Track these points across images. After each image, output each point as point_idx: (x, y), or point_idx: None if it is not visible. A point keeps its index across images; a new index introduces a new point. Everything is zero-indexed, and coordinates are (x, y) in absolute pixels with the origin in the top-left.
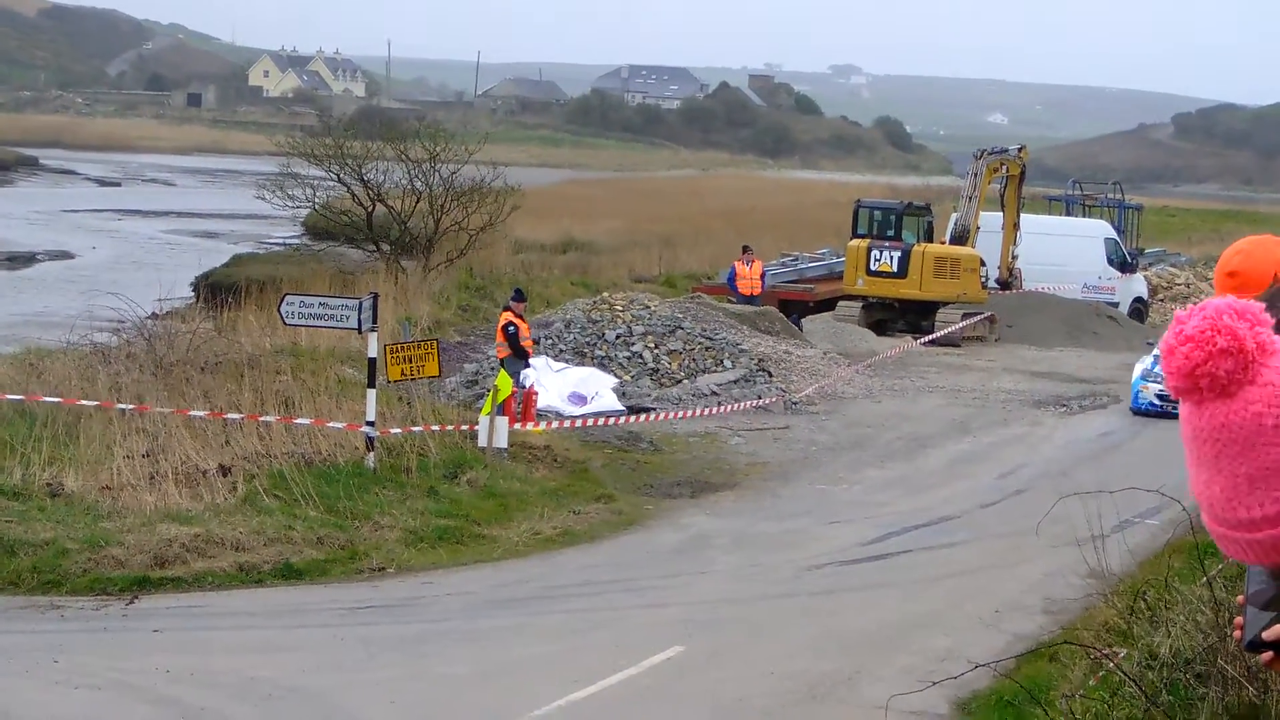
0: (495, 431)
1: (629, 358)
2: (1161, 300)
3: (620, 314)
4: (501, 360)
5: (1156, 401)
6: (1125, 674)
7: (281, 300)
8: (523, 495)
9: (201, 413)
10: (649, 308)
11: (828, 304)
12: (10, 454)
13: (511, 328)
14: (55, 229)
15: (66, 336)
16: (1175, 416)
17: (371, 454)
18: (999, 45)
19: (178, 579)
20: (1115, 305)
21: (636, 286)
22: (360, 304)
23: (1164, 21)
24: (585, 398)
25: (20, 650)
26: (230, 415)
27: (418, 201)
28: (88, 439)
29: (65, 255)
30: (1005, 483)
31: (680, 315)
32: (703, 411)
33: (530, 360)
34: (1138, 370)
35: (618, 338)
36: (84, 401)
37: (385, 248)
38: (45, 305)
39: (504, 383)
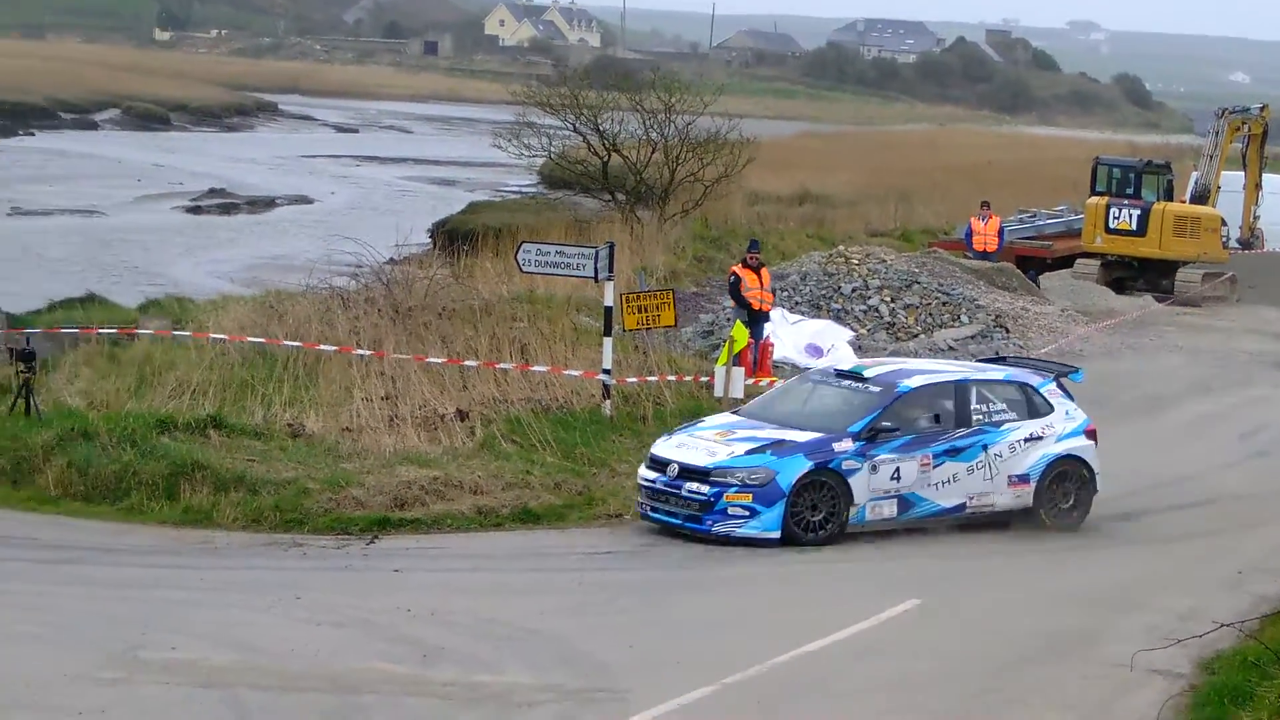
0: (731, 382)
1: (865, 311)
2: None
3: (856, 267)
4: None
5: None
6: None
7: (519, 248)
8: None
9: (439, 359)
10: (885, 261)
11: (1065, 261)
12: (252, 395)
13: (733, 278)
14: (294, 174)
15: (306, 280)
16: None
17: (608, 402)
18: (1240, 2)
19: (416, 520)
20: None
21: (872, 240)
22: (597, 253)
23: None
24: (821, 350)
25: (264, 587)
26: (467, 361)
27: (653, 152)
28: (327, 381)
29: (304, 200)
30: (1247, 444)
31: (916, 270)
32: None
33: (756, 312)
34: None
35: (853, 291)
36: (323, 346)
37: (620, 197)
38: (285, 249)
39: (740, 334)
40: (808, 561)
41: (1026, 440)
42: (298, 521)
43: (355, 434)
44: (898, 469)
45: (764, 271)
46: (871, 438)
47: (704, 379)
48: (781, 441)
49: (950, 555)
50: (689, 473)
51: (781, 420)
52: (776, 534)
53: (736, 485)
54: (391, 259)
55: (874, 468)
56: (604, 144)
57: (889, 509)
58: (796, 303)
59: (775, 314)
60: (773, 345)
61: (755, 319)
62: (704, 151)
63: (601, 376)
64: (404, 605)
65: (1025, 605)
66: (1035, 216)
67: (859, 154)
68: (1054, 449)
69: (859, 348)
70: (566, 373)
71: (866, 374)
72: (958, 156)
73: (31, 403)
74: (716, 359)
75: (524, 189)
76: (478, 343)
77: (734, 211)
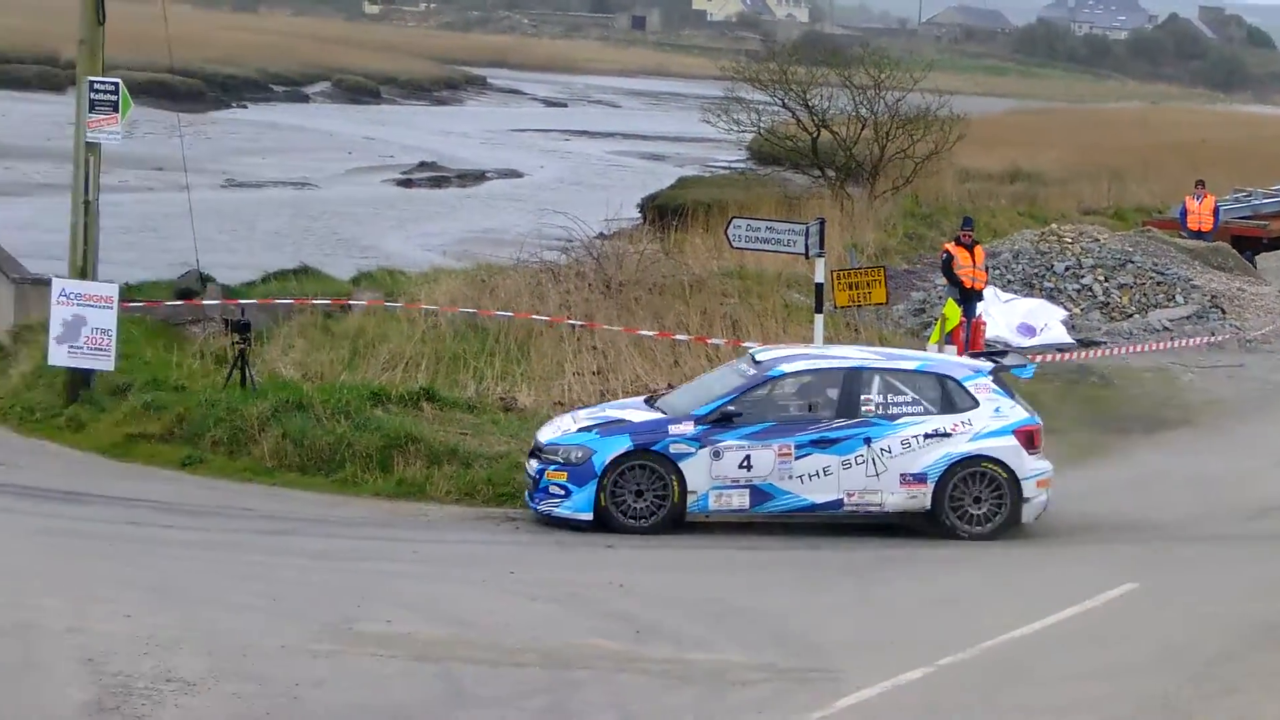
0: None
1: (1078, 290)
2: None
3: (1069, 246)
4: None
5: None
6: None
7: (729, 223)
8: None
9: (650, 332)
10: (1098, 240)
11: None
12: (464, 368)
13: (945, 255)
14: (504, 148)
15: (516, 254)
16: None
17: None
18: None
19: None
20: None
21: (1085, 219)
22: (807, 229)
23: None
24: (1034, 329)
25: (477, 560)
26: (678, 336)
27: (862, 128)
28: (539, 355)
29: (514, 174)
30: None
31: (1130, 249)
32: (1154, 346)
33: (969, 290)
34: None
35: (1066, 270)
36: (535, 316)
37: (830, 174)
38: (495, 223)
39: (951, 312)
40: (1022, 545)
41: (927, 436)
42: (510, 495)
43: (567, 408)
44: (748, 457)
45: (977, 249)
46: (718, 422)
47: None
48: (617, 421)
49: (1170, 539)
50: (532, 448)
51: (679, 403)
52: (588, 515)
53: (557, 463)
54: (601, 234)
55: (716, 454)
56: (813, 120)
57: (739, 499)
58: (1009, 281)
59: (988, 292)
60: (985, 324)
61: (967, 297)
62: (914, 128)
63: None
64: (617, 580)
65: (1247, 592)
66: (1251, 196)
67: (1070, 131)
68: (962, 448)
69: (1072, 326)
70: None
71: (759, 357)
72: (1171, 135)
73: (247, 374)
74: (928, 337)
75: (733, 164)
76: (688, 318)
77: (944, 188)
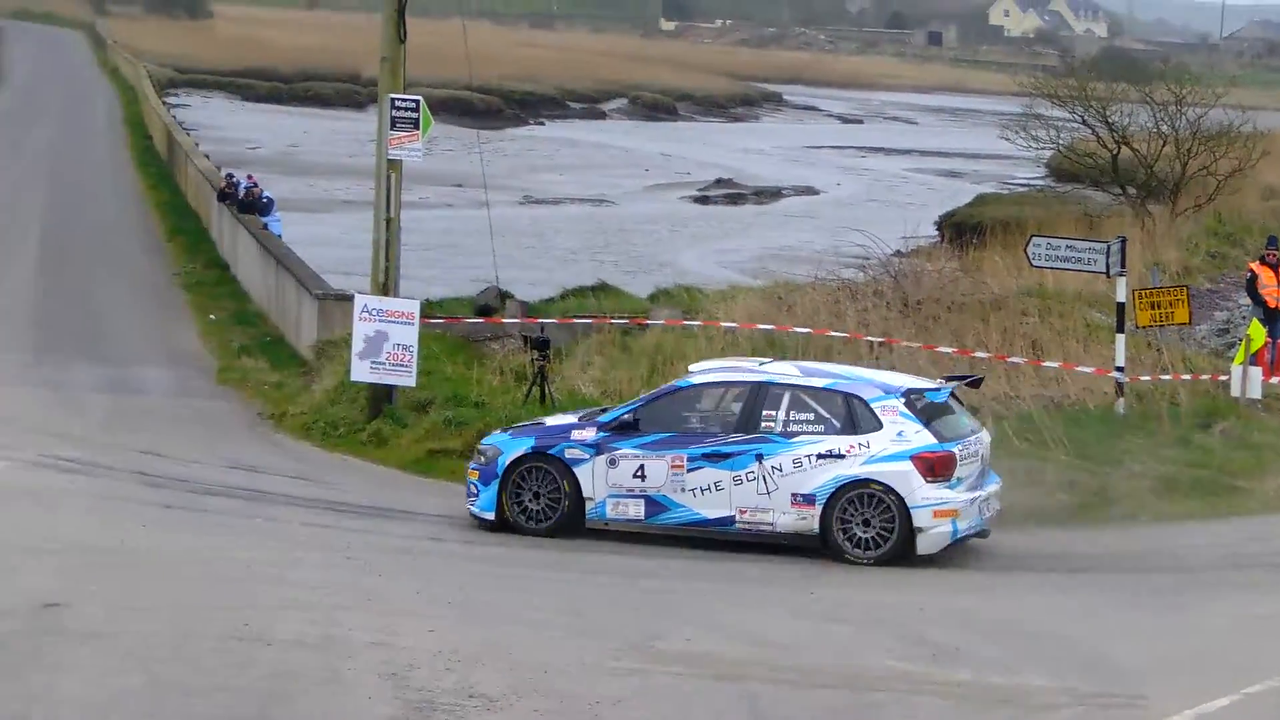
0: (1248, 382)
1: None
2: None
3: None
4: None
5: None
6: None
7: (1029, 241)
8: (1278, 449)
9: (948, 349)
10: None
11: None
12: None
13: (1249, 275)
14: (799, 165)
15: (813, 272)
16: None
17: (1121, 400)
18: None
19: None
20: None
21: None
22: (1108, 247)
23: None
24: None
25: (776, 580)
26: (977, 354)
27: (1163, 145)
28: None
29: (810, 191)
30: None
31: None
32: None
33: (1273, 310)
34: None
35: None
36: (832, 334)
37: (1131, 191)
38: (791, 240)
39: (1256, 332)
40: None
41: (820, 456)
42: None
43: None
44: (642, 467)
45: None
46: (618, 429)
47: (1221, 378)
48: (538, 423)
49: None
50: None
51: (617, 411)
52: (491, 515)
53: (478, 461)
54: (898, 251)
55: (612, 462)
56: (1113, 136)
57: (635, 509)
58: None
59: None
60: None
61: (1272, 317)
62: (1216, 144)
63: (1114, 374)
64: (917, 603)
65: None
66: None
67: None
68: (853, 470)
69: None
70: (1078, 369)
71: (692, 367)
72: None
73: (546, 390)
74: (1233, 358)
75: (1031, 181)
76: (987, 337)
77: (1248, 206)
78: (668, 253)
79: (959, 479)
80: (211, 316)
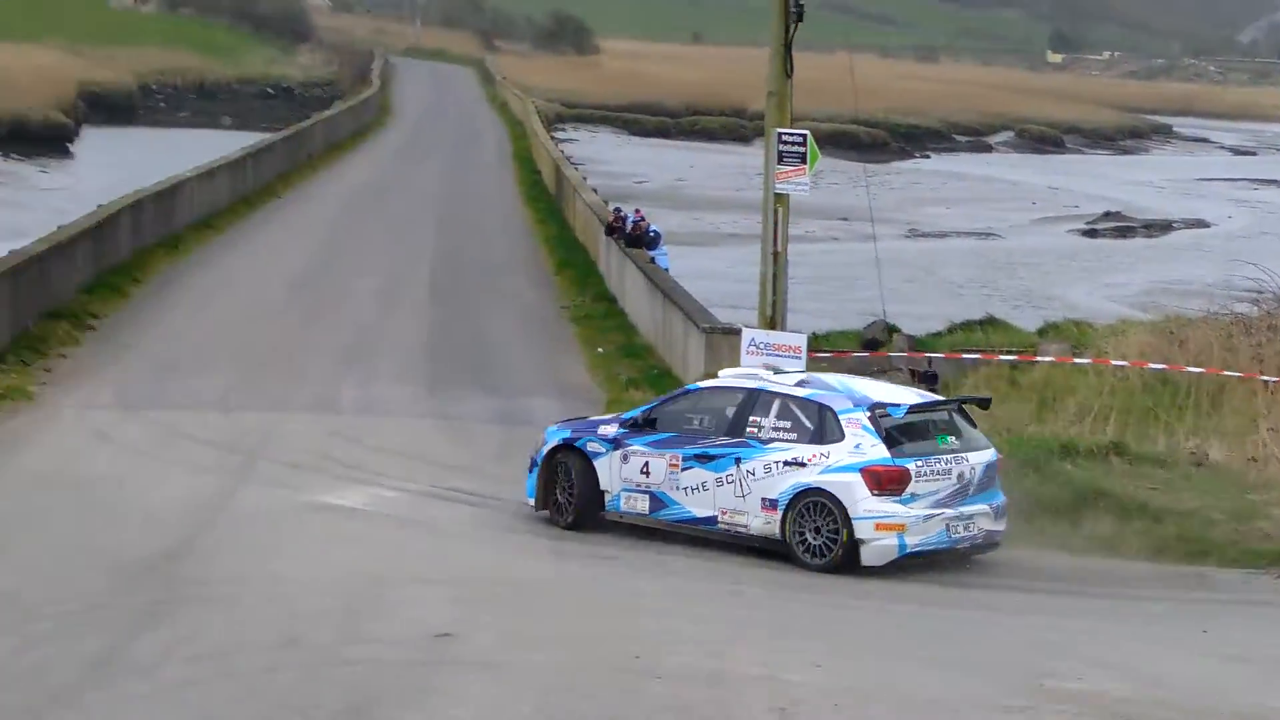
0: None
1: None
2: None
3: None
4: None
5: None
6: None
7: None
8: None
9: None
10: None
11: None
12: (1154, 421)
13: None
14: (1190, 197)
15: (1205, 306)
16: None
17: None
18: None
19: None
20: None
21: None
22: None
23: None
24: None
25: (1169, 619)
26: None
27: None
28: (1231, 410)
29: (1200, 224)
30: None
31: None
32: None
33: None
34: None
35: None
36: (1226, 372)
37: None
38: (1181, 274)
39: None
40: None
41: (785, 464)
42: (1201, 553)
43: (1261, 464)
44: (647, 463)
45: None
46: (637, 426)
47: None
48: (583, 418)
49: None
50: None
51: None
52: (531, 500)
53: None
54: None
55: (625, 457)
56: None
57: (642, 504)
58: None
59: None
60: None
61: None
62: None
63: None
64: None
65: None
66: None
67: None
68: (810, 478)
69: None
70: None
71: (720, 372)
72: None
73: None
74: None
75: None
76: None
77: None
78: (1055, 286)
79: (914, 495)
80: (599, 349)
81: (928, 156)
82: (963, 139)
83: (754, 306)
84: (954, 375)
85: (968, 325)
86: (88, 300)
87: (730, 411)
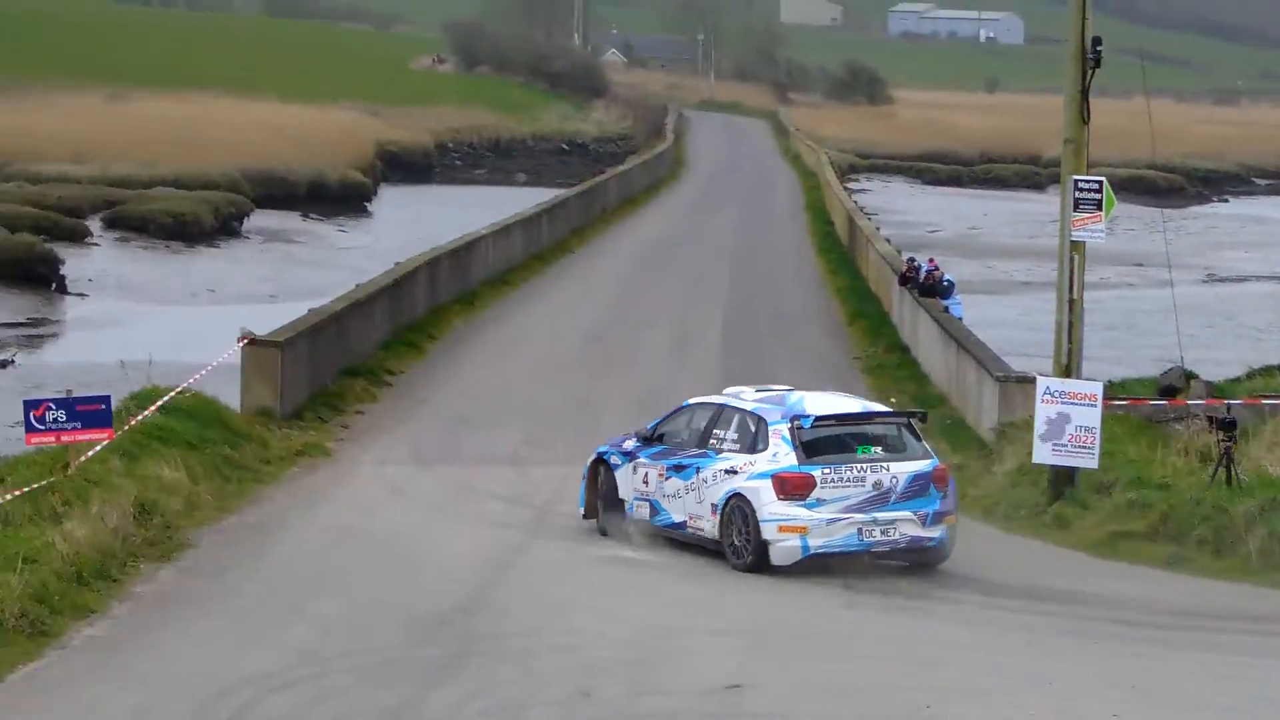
0: None
1: None
2: None
3: None
4: None
5: None
6: None
7: None
8: None
9: None
10: None
11: None
12: None
13: None
14: None
15: None
16: None
17: None
18: None
19: None
20: None
21: None
22: None
23: None
24: None
25: None
26: None
27: None
28: None
29: None
30: None
31: None
32: None
33: None
34: None
35: None
36: None
37: None
38: None
39: None
40: None
41: (725, 472)
42: None
43: None
44: (647, 474)
45: None
46: (647, 440)
47: None
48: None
49: None
50: None
51: None
52: (581, 510)
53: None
54: None
55: (634, 469)
56: None
57: (645, 511)
58: None
59: None
60: None
61: None
62: None
63: None
64: None
65: None
66: None
67: None
68: (737, 484)
69: None
70: None
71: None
72: None
73: (1232, 471)
74: None
75: None
76: None
77: None
78: None
79: (819, 500)
80: (892, 400)
81: (1225, 201)
82: (1263, 183)
83: (1048, 354)
84: (1254, 422)
85: (1268, 370)
86: (385, 357)
87: (703, 425)
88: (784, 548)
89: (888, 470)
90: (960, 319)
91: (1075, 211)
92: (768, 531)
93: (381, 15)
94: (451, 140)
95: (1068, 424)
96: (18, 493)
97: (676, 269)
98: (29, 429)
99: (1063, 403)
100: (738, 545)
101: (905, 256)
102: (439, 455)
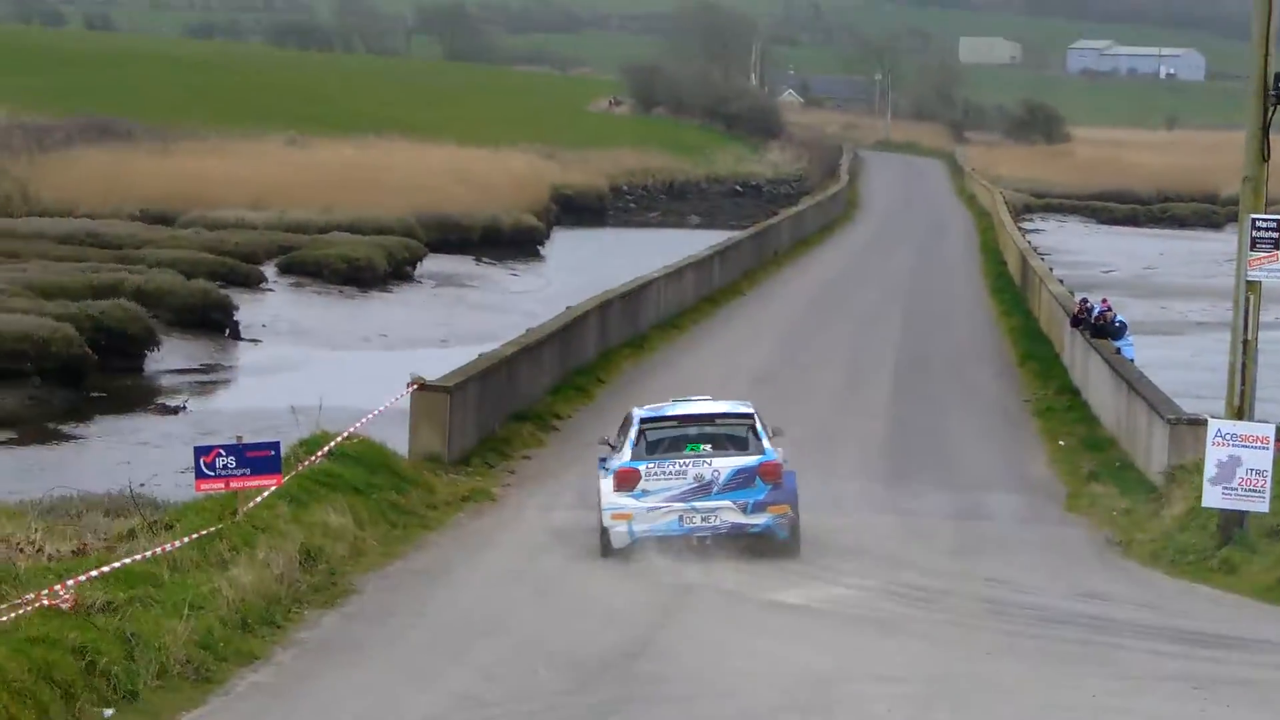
0: None
1: None
2: None
3: None
4: None
5: None
6: None
7: None
8: None
9: None
10: None
11: None
12: None
13: None
14: None
15: None
16: None
17: None
18: None
19: None
20: None
21: None
22: None
23: None
24: None
25: None
26: None
27: None
28: None
29: None
30: None
31: None
32: None
33: None
34: None
35: None
36: None
37: None
38: None
39: None
40: None
41: (604, 471)
42: None
43: None
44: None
45: None
46: (612, 450)
47: None
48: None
49: None
50: None
51: None
52: None
53: None
54: None
55: (603, 475)
56: None
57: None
58: None
59: None
60: None
61: None
62: None
63: None
64: None
65: None
66: None
67: None
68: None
69: None
70: None
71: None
72: None
73: None
74: None
75: None
76: None
77: None
78: None
79: (645, 491)
80: (1061, 442)
81: None
82: None
83: (1221, 396)
84: None
85: None
86: (553, 401)
87: (617, 431)
88: (616, 533)
89: (710, 465)
90: (1132, 360)
91: (1252, 250)
92: (605, 519)
93: (561, 58)
94: (626, 182)
95: (1239, 467)
96: (186, 540)
97: (848, 310)
98: (199, 475)
99: (1234, 445)
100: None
101: (1078, 297)
102: None
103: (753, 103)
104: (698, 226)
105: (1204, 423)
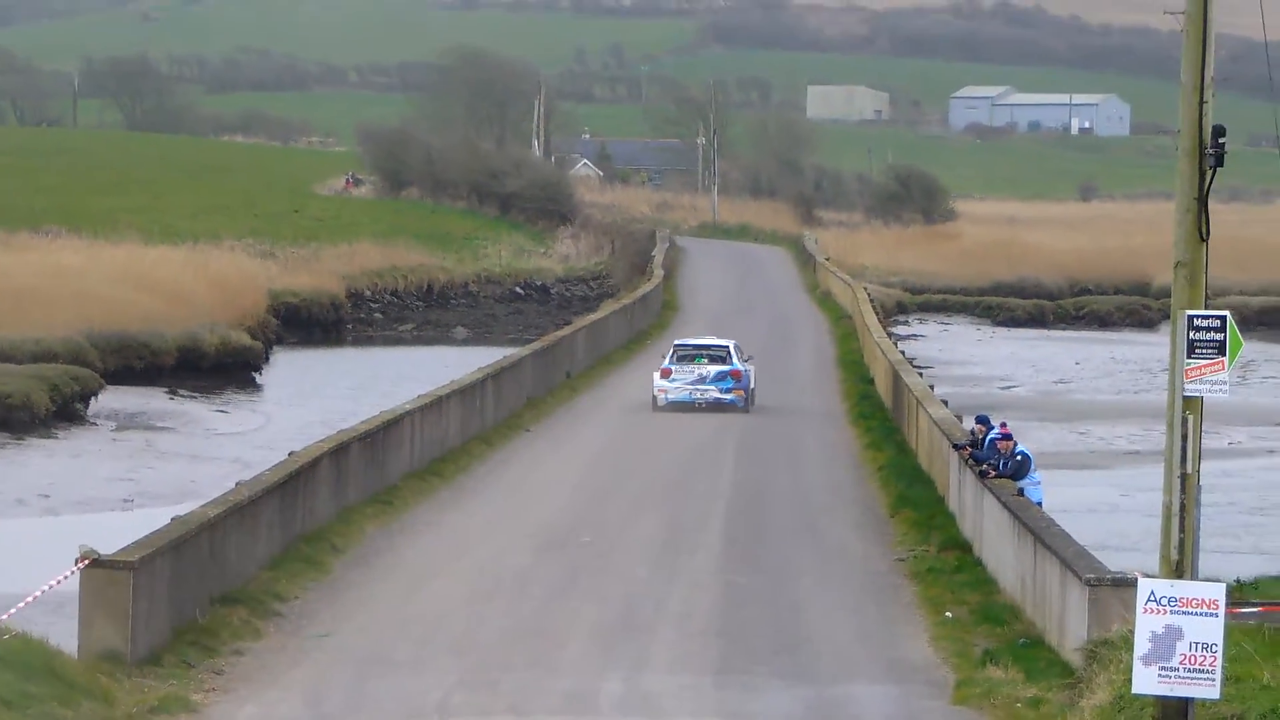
0: None
1: None
2: None
3: None
4: None
5: None
6: None
7: None
8: None
9: None
10: None
11: None
12: None
13: None
14: None
15: None
16: None
17: None
18: None
19: None
20: None
21: None
22: None
23: None
24: None
25: None
26: None
27: None
28: None
29: None
30: None
31: None
32: None
33: None
34: None
35: None
36: None
37: None
38: None
39: None
40: None
41: None
42: None
43: None
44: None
45: None
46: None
47: None
48: None
49: None
50: None
51: None
52: None
53: None
54: None
55: None
56: None
57: None
58: None
59: None
60: None
61: None
62: None
63: None
64: None
65: None
66: None
67: None
68: None
69: None
70: None
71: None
72: None
73: None
74: None
75: None
76: None
77: None
78: None
79: (674, 378)
80: (948, 614)
81: None
82: None
83: (1154, 549)
84: None
85: None
86: (273, 578)
87: None
88: (658, 399)
89: (705, 368)
90: (1040, 504)
91: (1190, 357)
92: (655, 391)
93: (281, 124)
94: (369, 286)
95: (1179, 640)
96: None
97: (667, 449)
98: None
99: (1173, 612)
100: None
101: (971, 423)
102: (344, 709)
103: (536, 178)
104: (465, 342)
105: (1134, 583)
